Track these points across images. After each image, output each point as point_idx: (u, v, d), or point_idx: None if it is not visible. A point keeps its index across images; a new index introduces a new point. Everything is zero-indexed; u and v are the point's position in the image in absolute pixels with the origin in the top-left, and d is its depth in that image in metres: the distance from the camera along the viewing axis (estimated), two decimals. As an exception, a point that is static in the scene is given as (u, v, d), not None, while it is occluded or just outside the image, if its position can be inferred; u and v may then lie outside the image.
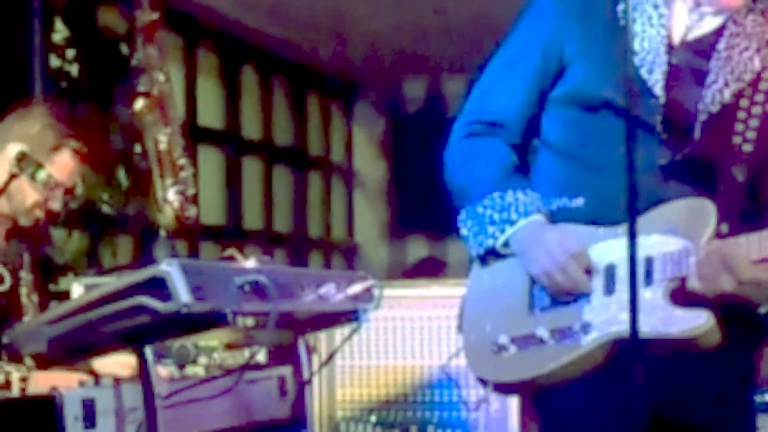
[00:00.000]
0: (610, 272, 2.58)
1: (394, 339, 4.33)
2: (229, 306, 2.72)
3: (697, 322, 2.46)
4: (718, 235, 2.51)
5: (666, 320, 2.46)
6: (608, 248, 2.59)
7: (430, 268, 7.88)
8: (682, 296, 2.49)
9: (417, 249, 8.12)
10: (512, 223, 2.65)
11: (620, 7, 2.60)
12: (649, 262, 2.53)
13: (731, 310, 2.49)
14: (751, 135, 2.59)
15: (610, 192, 2.54)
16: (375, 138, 8.28)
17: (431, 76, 7.99)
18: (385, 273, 7.99)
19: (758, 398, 4.11)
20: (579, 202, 2.66)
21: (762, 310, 2.53)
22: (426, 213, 7.71)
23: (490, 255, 2.72)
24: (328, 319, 3.45)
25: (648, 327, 2.28)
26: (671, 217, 2.45)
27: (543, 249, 2.61)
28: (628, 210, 2.26)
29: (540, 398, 2.76)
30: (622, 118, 2.48)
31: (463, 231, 2.74)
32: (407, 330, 4.33)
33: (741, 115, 2.59)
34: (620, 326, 2.50)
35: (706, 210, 2.52)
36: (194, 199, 4.10)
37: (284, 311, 2.99)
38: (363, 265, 8.05)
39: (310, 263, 7.65)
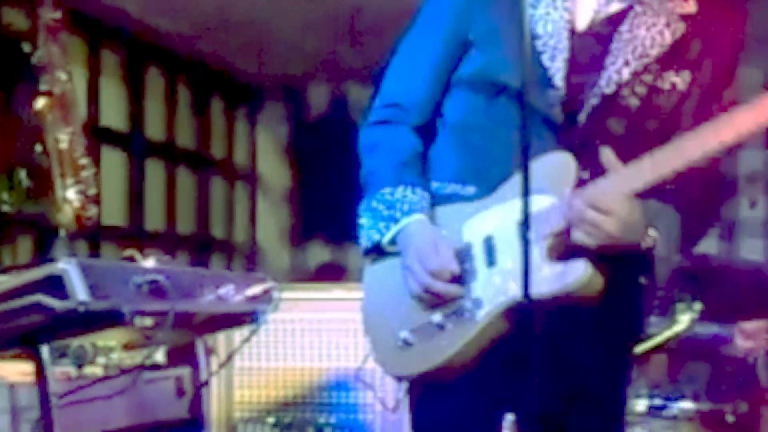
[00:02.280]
0: (488, 244, 2.61)
1: (293, 341, 4.36)
2: (126, 305, 2.72)
3: (576, 274, 2.48)
4: (581, 182, 2.52)
5: (547, 279, 2.47)
6: (481, 221, 2.62)
7: (332, 273, 7.91)
8: (564, 251, 2.51)
9: (318, 253, 8.14)
10: (396, 221, 2.68)
11: None
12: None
13: (613, 252, 2.49)
14: (640, 90, 2.59)
15: (501, 182, 2.59)
16: (279, 143, 8.28)
17: (336, 82, 8.01)
18: (287, 277, 8.00)
19: (648, 402, 4.21)
20: (470, 190, 2.68)
21: (644, 244, 2.52)
22: (328, 218, 7.74)
23: (378, 251, 2.74)
24: (227, 320, 3.47)
25: (533, 289, 2.29)
26: (536, 176, 2.42)
27: (408, 269, 2.64)
28: (523, 206, 2.29)
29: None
30: (519, 105, 2.49)
31: (361, 220, 2.77)
32: (306, 332, 4.36)
33: (639, 89, 2.58)
34: (506, 295, 2.55)
35: (566, 161, 2.53)
36: (95, 199, 4.09)
37: (182, 311, 3.01)
38: (265, 268, 8.03)
39: (211, 266, 7.62)
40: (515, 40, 2.53)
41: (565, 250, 2.51)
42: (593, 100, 2.58)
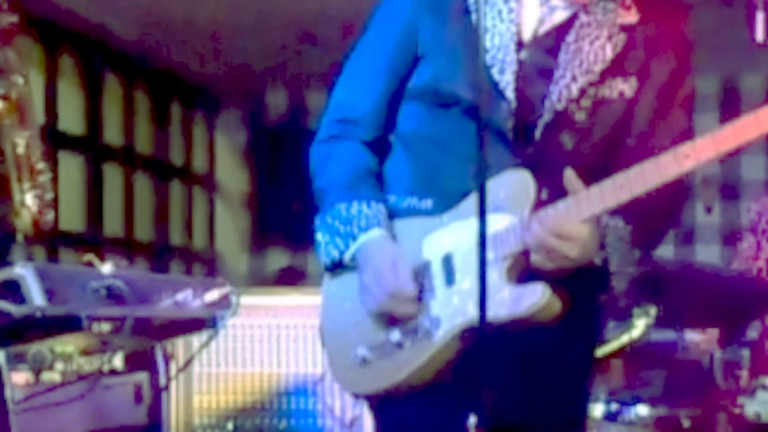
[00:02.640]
0: (447, 263, 2.59)
1: (252, 347, 4.36)
2: (84, 310, 2.73)
3: (534, 298, 2.47)
4: (540, 202, 2.52)
5: (505, 302, 2.47)
6: (441, 238, 2.61)
7: (291, 278, 7.90)
8: (522, 272, 2.51)
9: (278, 259, 8.13)
10: (354, 238, 2.65)
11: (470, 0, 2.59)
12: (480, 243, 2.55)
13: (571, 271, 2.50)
14: (586, 104, 2.58)
15: (459, 196, 2.58)
16: (237, 148, 8.27)
17: (294, 88, 8.01)
18: (246, 282, 7.99)
19: (604, 408, 4.24)
20: (428, 203, 2.66)
21: (596, 260, 2.53)
22: (287, 224, 7.74)
23: (338, 266, 2.71)
24: (185, 326, 3.46)
25: (490, 312, 2.29)
26: (495, 194, 2.43)
27: (366, 289, 2.62)
28: (480, 219, 2.27)
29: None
30: (473, 119, 2.49)
31: (317, 236, 2.74)
32: (265, 338, 4.36)
33: (584, 103, 2.58)
34: (464, 316, 2.53)
35: (524, 180, 2.52)
36: (52, 204, 4.07)
37: (140, 317, 3.00)
38: (224, 274, 8.01)
39: (170, 272, 7.59)
40: (464, 52, 2.56)
41: (523, 270, 2.51)
42: (546, 116, 2.57)
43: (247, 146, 8.25)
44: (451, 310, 2.57)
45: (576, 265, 2.49)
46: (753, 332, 4.20)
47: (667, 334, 4.12)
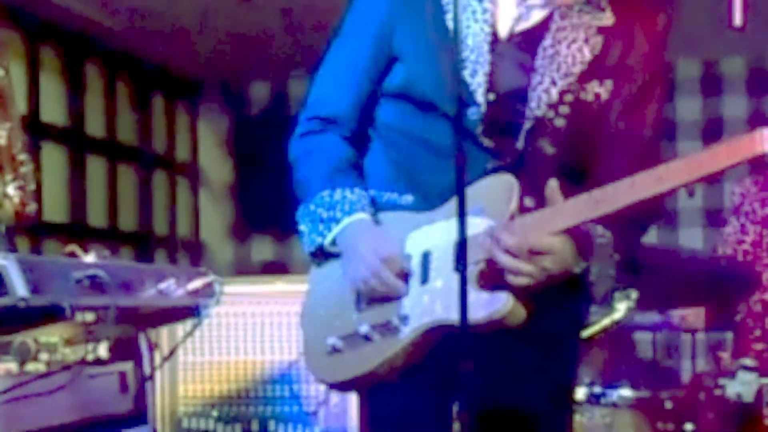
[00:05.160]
0: (425, 260, 2.60)
1: (236, 335, 4.37)
2: (67, 300, 2.73)
3: (497, 306, 2.47)
4: (523, 209, 2.52)
5: (472, 306, 2.42)
6: (424, 235, 2.61)
7: (276, 267, 7.91)
8: (494, 278, 2.50)
9: (262, 248, 8.14)
10: (337, 221, 2.66)
11: (445, 0, 2.60)
12: (458, 246, 2.52)
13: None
14: (564, 110, 2.59)
15: (437, 192, 2.59)
16: (220, 137, 8.26)
17: (277, 76, 8.01)
18: (231, 271, 8.00)
19: (587, 390, 4.26)
20: (408, 198, 2.67)
21: (576, 270, 2.54)
22: (271, 212, 7.73)
23: (321, 254, 2.73)
24: (169, 315, 3.47)
25: (455, 314, 2.30)
26: (478, 197, 2.45)
27: (358, 255, 2.62)
28: (459, 223, 2.29)
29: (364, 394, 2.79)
30: (447, 120, 2.53)
31: (300, 227, 2.75)
32: (249, 326, 4.37)
33: (563, 109, 2.59)
34: (432, 316, 2.55)
35: (509, 186, 2.53)
36: (35, 195, 4.07)
37: (124, 306, 3.01)
38: (208, 263, 8.02)
39: (155, 262, 7.60)
40: (438, 53, 2.57)
41: (494, 277, 2.51)
42: (527, 123, 2.57)
43: (230, 135, 8.25)
44: (420, 308, 2.57)
45: (554, 276, 2.50)
46: (738, 315, 4.23)
47: (649, 317, 4.14)
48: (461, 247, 2.31)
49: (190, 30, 6.90)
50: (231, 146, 8.25)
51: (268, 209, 7.77)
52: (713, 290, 4.02)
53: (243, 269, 8.04)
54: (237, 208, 8.23)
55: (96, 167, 7.00)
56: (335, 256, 2.71)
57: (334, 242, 2.69)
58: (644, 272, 3.57)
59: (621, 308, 3.72)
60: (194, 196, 8.24)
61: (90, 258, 3.04)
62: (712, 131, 7.60)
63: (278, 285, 4.36)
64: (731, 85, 7.67)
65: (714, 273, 4.06)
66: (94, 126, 7.00)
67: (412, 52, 2.65)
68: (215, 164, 8.26)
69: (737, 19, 3.22)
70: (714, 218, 7.32)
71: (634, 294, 3.64)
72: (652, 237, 7.22)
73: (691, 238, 7.55)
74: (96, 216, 6.97)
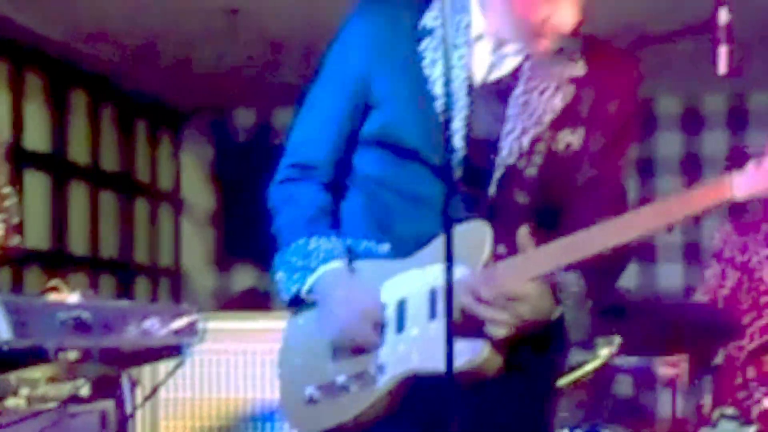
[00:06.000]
0: (400, 309, 2.60)
1: (218, 372, 4.37)
2: (51, 342, 2.74)
3: (472, 355, 2.48)
4: (497, 257, 2.54)
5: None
6: (399, 283, 2.61)
7: (257, 297, 7.90)
8: (470, 326, 2.50)
9: (244, 276, 8.13)
10: (313, 270, 2.65)
11: (422, 47, 2.61)
12: (433, 294, 2.56)
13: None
14: (536, 158, 2.61)
15: (413, 240, 2.60)
16: (203, 166, 8.27)
17: (261, 105, 8.03)
18: (213, 300, 7.99)
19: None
20: (384, 247, 2.67)
21: (552, 317, 2.55)
22: (253, 242, 7.72)
23: (298, 302, 2.72)
24: (152, 354, 3.47)
25: (432, 363, 2.30)
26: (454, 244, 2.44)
27: (334, 304, 2.62)
28: (446, 270, 2.29)
29: None
30: (426, 167, 2.55)
31: (277, 275, 2.75)
32: (231, 363, 4.36)
33: (535, 157, 2.61)
34: (408, 365, 2.54)
35: (482, 233, 2.54)
36: (18, 229, 4.07)
37: (107, 347, 3.02)
38: (190, 291, 8.02)
39: (136, 289, 7.59)
40: (415, 101, 2.58)
41: (470, 325, 2.50)
42: (498, 172, 2.59)
43: (213, 163, 8.25)
44: (396, 357, 2.57)
45: (530, 323, 2.51)
46: (717, 360, 4.24)
47: (631, 360, 4.16)
48: (448, 295, 2.32)
49: (175, 58, 6.92)
50: (214, 174, 8.25)
51: (250, 238, 7.76)
52: (694, 337, 4.05)
53: (224, 298, 8.04)
54: (219, 236, 8.23)
55: (78, 194, 7.00)
56: (311, 304, 2.70)
57: (310, 291, 2.68)
58: (626, 318, 3.59)
59: (603, 354, 3.74)
60: (176, 224, 8.23)
61: (74, 298, 3.04)
62: (692, 167, 7.66)
63: (260, 322, 4.36)
64: (712, 122, 7.72)
65: (695, 320, 4.08)
66: (78, 153, 6.99)
67: (389, 99, 2.66)
68: (198, 192, 8.26)
69: (722, 68, 3.24)
70: (693, 254, 7.36)
71: (616, 340, 3.66)
72: (631, 273, 7.27)
73: (671, 273, 7.57)
74: (77, 243, 6.95)
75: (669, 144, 7.74)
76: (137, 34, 6.43)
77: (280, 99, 7.52)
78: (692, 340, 4.04)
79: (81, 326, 2.87)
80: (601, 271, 2.58)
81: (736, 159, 2.40)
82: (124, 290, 7.39)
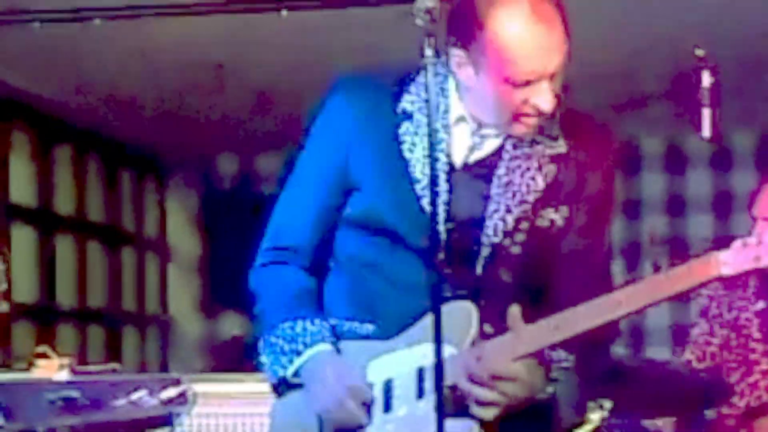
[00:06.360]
0: (387, 388, 2.62)
1: (206, 436, 4.36)
2: (40, 424, 2.74)
3: None
4: (483, 336, 2.55)
5: None
6: (385, 363, 2.63)
7: (245, 345, 7.89)
8: (458, 405, 2.52)
9: (230, 324, 8.13)
10: (299, 354, 2.65)
11: (401, 130, 2.63)
12: (420, 373, 2.57)
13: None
14: (519, 237, 2.63)
15: (397, 321, 2.62)
16: (188, 213, 8.28)
17: (245, 153, 8.05)
18: (199, 347, 8.01)
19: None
20: (368, 327, 2.69)
21: (542, 395, 2.57)
22: (239, 288, 7.72)
23: (284, 385, 2.72)
24: (142, 425, 3.47)
25: None
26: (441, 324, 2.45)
27: (321, 386, 2.62)
28: (435, 350, 2.32)
29: None
30: (408, 250, 2.57)
31: (262, 359, 2.75)
32: (221, 427, 4.36)
33: (518, 236, 2.63)
34: None
35: (467, 313, 2.55)
36: (6, 294, 4.09)
37: (97, 422, 3.03)
38: (177, 339, 8.03)
39: (124, 338, 7.60)
40: (395, 184, 2.61)
41: (459, 403, 2.52)
42: (484, 251, 2.61)
43: (198, 211, 8.26)
44: None
45: (520, 401, 2.52)
46: (708, 424, 4.20)
47: (624, 420, 4.15)
48: (437, 373, 2.34)
49: (159, 108, 6.94)
50: (199, 222, 8.26)
51: (236, 284, 7.76)
52: (684, 401, 4.04)
53: (211, 345, 8.04)
54: (205, 283, 8.23)
55: (65, 246, 7.01)
56: (298, 386, 2.70)
57: (296, 374, 2.68)
58: (616, 383, 3.60)
59: (595, 419, 3.75)
60: (162, 271, 8.24)
61: (62, 375, 3.05)
62: (677, 207, 7.69)
63: (248, 384, 4.35)
64: (695, 162, 7.76)
65: (684, 383, 4.08)
66: (64, 204, 7.00)
67: (370, 182, 2.67)
68: (184, 240, 8.27)
69: (706, 132, 3.27)
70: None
71: (607, 404, 3.67)
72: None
73: (658, 317, 7.55)
74: (65, 294, 6.96)
75: (652, 184, 7.77)
76: (123, 87, 6.45)
77: (263, 146, 7.57)
78: (682, 404, 4.04)
79: (70, 405, 2.88)
80: (590, 344, 2.60)
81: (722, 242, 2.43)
82: (112, 339, 7.41)
